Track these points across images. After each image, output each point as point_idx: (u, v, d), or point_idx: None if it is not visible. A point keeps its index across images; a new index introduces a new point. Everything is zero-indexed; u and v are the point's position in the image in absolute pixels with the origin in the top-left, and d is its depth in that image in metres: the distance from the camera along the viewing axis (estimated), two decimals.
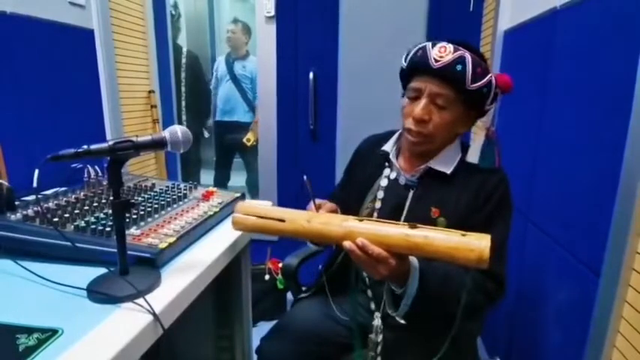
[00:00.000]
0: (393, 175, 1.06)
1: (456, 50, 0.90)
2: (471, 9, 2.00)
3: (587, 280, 1.00)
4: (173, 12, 3.00)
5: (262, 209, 0.87)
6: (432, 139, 0.96)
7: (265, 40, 2.17)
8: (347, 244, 0.78)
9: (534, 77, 1.41)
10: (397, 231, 0.77)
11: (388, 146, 1.07)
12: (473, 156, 0.98)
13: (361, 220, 0.81)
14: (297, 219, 0.83)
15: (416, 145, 0.99)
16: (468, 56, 0.90)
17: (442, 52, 0.90)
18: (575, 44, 1.16)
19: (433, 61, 0.90)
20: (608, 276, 0.91)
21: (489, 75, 0.92)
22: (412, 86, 0.96)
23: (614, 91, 0.95)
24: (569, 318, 1.13)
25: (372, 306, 1.09)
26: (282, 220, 0.83)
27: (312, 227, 0.82)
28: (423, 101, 0.93)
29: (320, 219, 0.83)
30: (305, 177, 0.93)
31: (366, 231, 0.78)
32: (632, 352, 0.84)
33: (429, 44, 0.94)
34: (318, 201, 0.96)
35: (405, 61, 0.98)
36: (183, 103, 3.24)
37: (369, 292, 1.10)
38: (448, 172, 0.98)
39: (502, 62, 1.72)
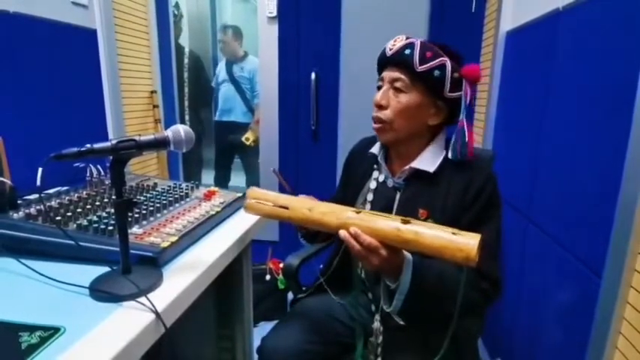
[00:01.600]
0: (381, 178, 1.07)
1: (408, 38, 0.99)
2: (473, 10, 2.00)
3: (588, 281, 1.00)
4: (175, 12, 3.01)
5: (270, 196, 0.93)
6: (392, 125, 0.99)
7: (267, 40, 2.17)
8: (342, 232, 0.81)
9: (536, 78, 1.41)
10: (390, 225, 0.78)
11: (376, 148, 1.09)
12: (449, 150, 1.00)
13: (358, 212, 0.83)
14: (299, 207, 0.88)
15: (380, 133, 1.02)
16: (418, 42, 0.97)
17: (395, 42, 0.99)
18: (577, 45, 1.16)
19: (388, 50, 1.00)
20: (609, 277, 0.91)
21: (440, 58, 0.95)
22: (378, 78, 1.04)
23: (617, 92, 0.95)
24: (570, 319, 1.12)
25: (372, 308, 1.09)
26: (286, 208, 0.89)
27: (313, 216, 0.86)
28: (383, 88, 1.01)
29: (320, 209, 0.86)
30: (272, 169, 1.02)
31: (361, 222, 0.80)
32: (633, 353, 0.84)
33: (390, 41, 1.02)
34: (301, 197, 1.01)
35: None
36: (186, 104, 3.25)
37: (369, 295, 1.11)
38: (431, 170, 0.99)
39: (504, 63, 1.72)
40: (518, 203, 1.48)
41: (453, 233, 0.74)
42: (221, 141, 3.44)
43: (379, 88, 1.02)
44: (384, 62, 1.01)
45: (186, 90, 3.29)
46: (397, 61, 0.97)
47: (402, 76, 0.97)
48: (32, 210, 0.87)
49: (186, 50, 3.31)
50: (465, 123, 0.97)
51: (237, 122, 3.28)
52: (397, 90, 0.98)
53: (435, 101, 0.99)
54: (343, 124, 2.20)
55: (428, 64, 0.94)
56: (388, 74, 0.99)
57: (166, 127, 2.08)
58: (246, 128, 3.19)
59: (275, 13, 2.12)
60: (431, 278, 0.87)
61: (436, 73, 0.95)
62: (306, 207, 0.87)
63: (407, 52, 0.95)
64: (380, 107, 0.99)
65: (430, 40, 1.02)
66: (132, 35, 1.95)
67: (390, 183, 1.05)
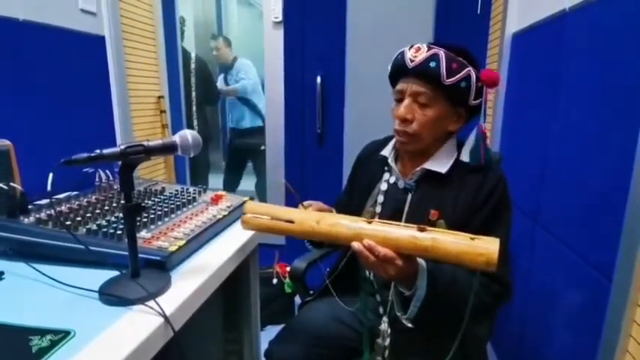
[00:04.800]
0: (392, 180, 1.07)
1: (430, 49, 0.94)
2: (479, 12, 2.00)
3: (598, 284, 0.99)
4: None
5: (271, 210, 0.88)
6: (419, 137, 0.97)
7: (273, 45, 2.19)
8: (355, 244, 0.79)
9: (543, 79, 1.40)
10: (405, 233, 0.77)
11: (387, 151, 1.09)
12: (465, 154, 0.99)
13: (370, 222, 0.81)
14: (306, 220, 0.84)
15: (405, 145, 1.00)
16: (442, 53, 0.93)
17: (416, 52, 0.95)
18: (584, 46, 1.15)
19: (409, 61, 0.95)
20: (619, 280, 0.90)
21: (466, 69, 0.93)
22: (396, 89, 1.00)
23: (625, 94, 0.95)
24: (580, 323, 1.11)
25: (380, 310, 1.08)
26: (291, 222, 0.84)
27: (321, 229, 0.82)
28: (405, 102, 0.97)
29: (329, 220, 0.83)
30: (283, 180, 0.99)
31: (375, 233, 0.79)
32: None
33: (406, 48, 0.98)
34: (307, 202, 0.99)
35: (390, 67, 1.02)
36: (193, 108, 3.28)
37: (378, 297, 1.10)
38: (443, 171, 0.98)
39: (510, 65, 1.71)
40: (525, 206, 1.47)
41: (471, 238, 0.73)
42: (234, 147, 3.52)
43: (399, 100, 0.99)
44: (403, 72, 0.97)
45: (193, 95, 3.32)
46: (420, 73, 0.94)
47: (426, 90, 0.94)
48: (42, 215, 0.88)
49: (193, 55, 3.34)
50: (485, 128, 0.96)
51: (248, 128, 3.38)
52: (421, 105, 0.95)
53: (456, 109, 0.98)
54: (349, 127, 2.20)
55: (455, 77, 0.92)
56: (410, 87, 0.96)
57: (174, 132, 2.10)
58: (255, 132, 3.29)
59: (280, 18, 2.13)
60: (445, 283, 0.87)
61: (462, 84, 0.93)
62: (313, 220, 0.83)
63: (432, 64, 0.92)
64: (404, 121, 0.97)
65: (436, 41, 1.00)
66: (139, 42, 1.97)
67: (401, 184, 1.05)
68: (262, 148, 3.23)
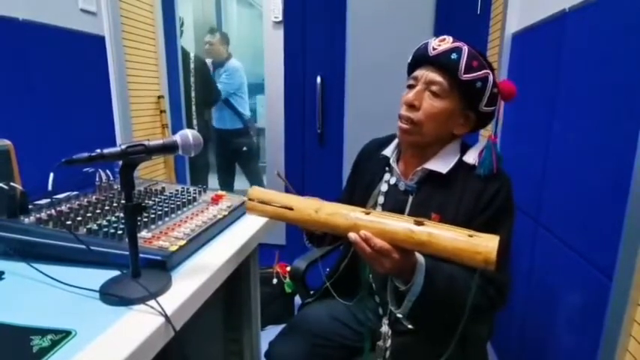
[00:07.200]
0: (392, 181, 1.05)
1: (455, 41, 0.94)
2: (479, 12, 2.00)
3: (599, 283, 0.99)
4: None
5: (273, 196, 0.89)
6: (421, 128, 0.95)
7: (273, 45, 2.19)
8: (352, 235, 0.78)
9: (544, 80, 1.40)
10: (402, 226, 0.76)
11: (388, 151, 1.07)
12: (471, 156, 0.98)
13: (368, 213, 0.80)
14: (305, 208, 0.84)
15: (406, 134, 0.98)
16: (465, 48, 0.92)
17: (441, 42, 0.94)
18: (584, 46, 1.16)
19: (431, 49, 0.94)
20: (620, 279, 0.90)
21: (485, 70, 0.93)
22: (411, 76, 0.99)
23: (625, 94, 0.95)
24: (581, 322, 1.11)
25: (380, 311, 1.08)
26: (291, 209, 0.85)
27: (319, 217, 0.82)
28: (417, 87, 0.96)
29: (327, 209, 0.83)
30: (276, 172, 1.06)
31: (371, 224, 0.78)
32: None
33: (433, 38, 0.97)
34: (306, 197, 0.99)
35: (411, 56, 1.02)
36: (193, 108, 3.28)
37: (377, 298, 1.10)
38: (444, 172, 0.97)
39: (510, 65, 1.71)
40: (526, 206, 1.47)
41: (470, 235, 0.71)
42: (220, 147, 3.53)
43: (411, 86, 0.98)
44: (423, 60, 0.97)
45: (193, 95, 3.32)
46: (440, 63, 0.93)
47: (442, 81, 0.93)
48: (43, 214, 0.88)
49: (192, 55, 3.34)
50: (495, 138, 0.95)
51: (229, 129, 3.38)
52: (433, 93, 0.94)
53: (466, 111, 0.97)
54: (349, 127, 2.20)
55: (473, 74, 0.91)
56: (426, 74, 0.95)
57: (174, 132, 2.10)
58: (236, 134, 3.29)
59: (280, 18, 2.13)
60: (442, 281, 0.85)
61: (478, 84, 0.92)
62: (312, 208, 0.83)
63: (453, 56, 0.91)
64: (411, 107, 0.96)
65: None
66: (139, 41, 1.97)
67: (401, 186, 1.03)
68: (244, 149, 3.32)
